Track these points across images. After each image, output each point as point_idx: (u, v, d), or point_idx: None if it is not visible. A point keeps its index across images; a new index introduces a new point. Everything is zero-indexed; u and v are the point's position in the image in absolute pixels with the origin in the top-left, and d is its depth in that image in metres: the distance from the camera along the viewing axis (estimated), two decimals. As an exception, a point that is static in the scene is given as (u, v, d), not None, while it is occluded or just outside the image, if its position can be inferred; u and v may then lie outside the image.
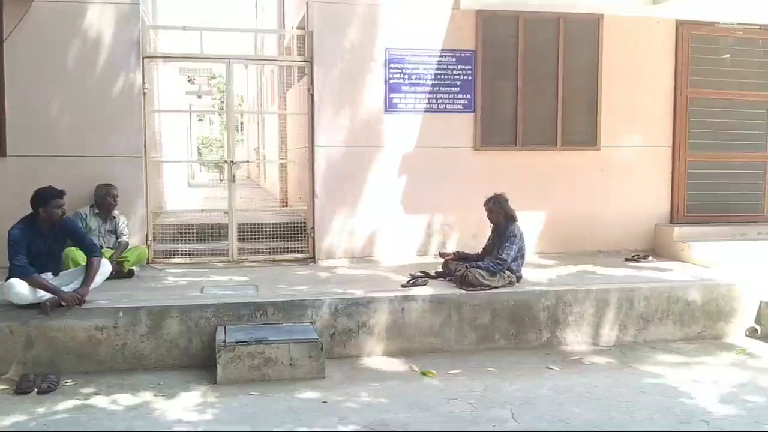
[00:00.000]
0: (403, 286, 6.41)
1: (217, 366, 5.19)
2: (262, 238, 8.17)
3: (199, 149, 35.73)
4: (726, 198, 8.89)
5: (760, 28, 8.81)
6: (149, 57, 7.56)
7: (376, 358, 5.88)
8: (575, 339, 6.36)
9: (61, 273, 5.96)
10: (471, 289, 6.25)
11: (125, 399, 4.87)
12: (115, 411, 4.66)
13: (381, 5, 7.88)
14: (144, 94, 7.43)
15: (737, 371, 5.67)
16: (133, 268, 6.99)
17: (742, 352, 6.23)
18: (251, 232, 8.16)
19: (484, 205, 6.77)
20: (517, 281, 6.57)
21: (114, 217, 7.07)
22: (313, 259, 7.94)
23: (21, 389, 4.95)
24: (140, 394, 4.96)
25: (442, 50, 8.03)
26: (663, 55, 8.64)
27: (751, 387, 5.25)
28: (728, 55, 8.87)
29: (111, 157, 7.31)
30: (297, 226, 8.32)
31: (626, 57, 8.52)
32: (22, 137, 7.13)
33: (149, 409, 4.69)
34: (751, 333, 6.66)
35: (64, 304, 5.44)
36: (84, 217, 6.95)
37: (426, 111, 8.04)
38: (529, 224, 8.06)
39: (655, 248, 8.65)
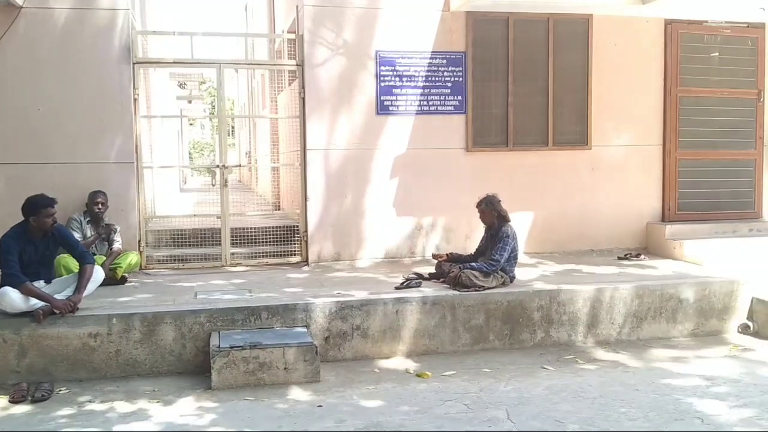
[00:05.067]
0: (396, 288, 6.42)
1: (212, 371, 5.18)
2: (255, 242, 8.16)
3: (190, 154, 35.67)
4: (717, 196, 8.94)
5: (747, 26, 8.87)
6: (139, 62, 7.54)
7: (370, 360, 5.88)
8: (569, 338, 6.38)
9: (53, 281, 5.94)
10: (464, 290, 6.26)
11: (121, 406, 4.85)
12: (110, 418, 4.64)
13: (371, 8, 7.88)
14: (135, 99, 7.41)
15: (730, 368, 5.69)
16: (126, 274, 6.97)
17: (735, 348, 6.26)
18: (244, 236, 8.16)
19: (477, 206, 6.77)
20: (511, 281, 6.58)
21: (106, 224, 7.04)
22: (306, 262, 7.93)
23: (15, 398, 4.92)
24: (135, 401, 4.94)
25: (432, 52, 8.05)
26: (652, 54, 8.68)
27: (745, 383, 5.27)
28: (717, 54, 8.91)
29: (102, 163, 7.29)
30: (289, 230, 8.30)
31: (616, 57, 8.56)
32: (12, 144, 7.11)
33: (145, 416, 4.68)
34: (744, 329, 6.69)
35: (56, 311, 5.42)
36: (79, 221, 6.93)
37: (417, 113, 8.06)
38: (522, 224, 8.10)
39: (647, 246, 8.70)
